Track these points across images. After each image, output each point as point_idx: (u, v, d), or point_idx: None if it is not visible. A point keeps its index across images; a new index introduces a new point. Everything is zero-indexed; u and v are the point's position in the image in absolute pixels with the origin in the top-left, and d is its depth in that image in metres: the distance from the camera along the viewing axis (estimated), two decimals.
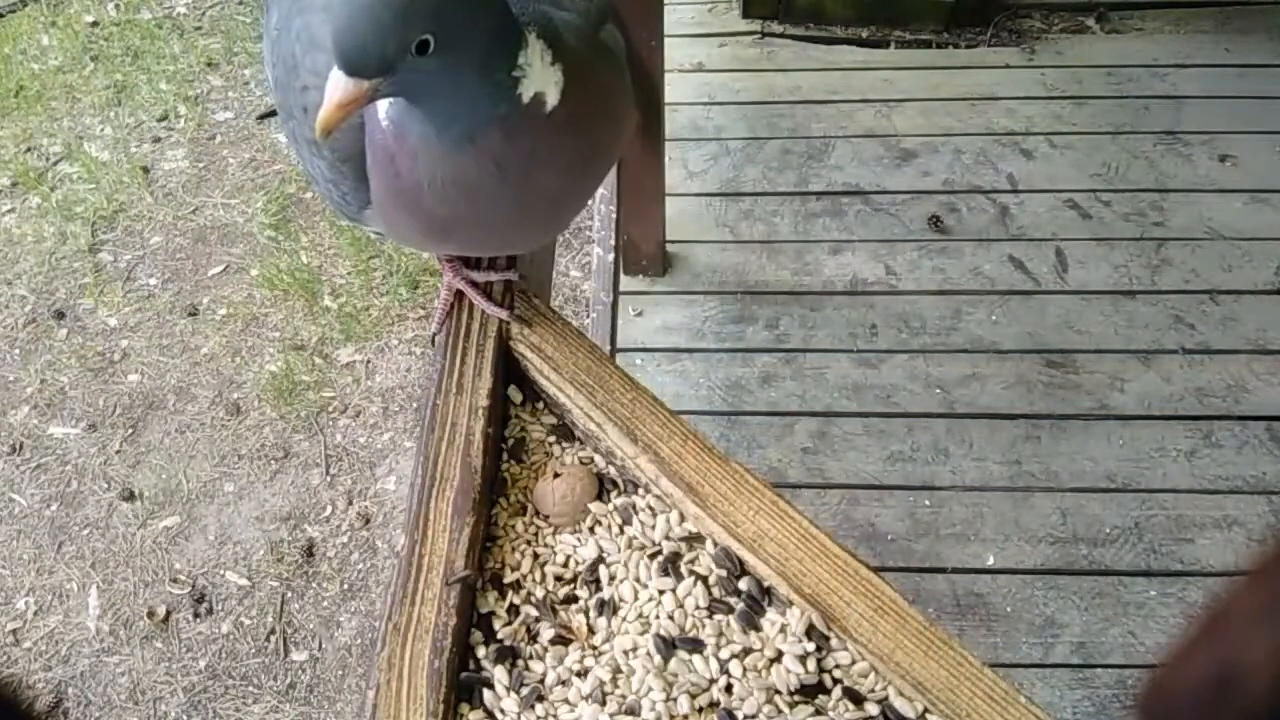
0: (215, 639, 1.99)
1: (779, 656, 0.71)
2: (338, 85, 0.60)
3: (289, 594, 2.04)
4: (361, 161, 0.72)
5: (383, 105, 0.66)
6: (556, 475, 0.79)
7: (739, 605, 0.73)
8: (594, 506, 0.79)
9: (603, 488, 0.80)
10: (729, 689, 0.69)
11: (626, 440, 0.78)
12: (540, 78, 0.66)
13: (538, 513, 0.80)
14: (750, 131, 2.58)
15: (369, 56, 0.59)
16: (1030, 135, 2.52)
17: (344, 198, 0.76)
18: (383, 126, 0.68)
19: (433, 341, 0.87)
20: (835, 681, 0.70)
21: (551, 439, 0.83)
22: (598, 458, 0.81)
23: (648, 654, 0.70)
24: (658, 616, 0.73)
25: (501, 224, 0.73)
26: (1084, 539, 1.88)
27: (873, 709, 0.69)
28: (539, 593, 0.75)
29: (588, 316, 2.11)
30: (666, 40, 1.92)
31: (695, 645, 0.71)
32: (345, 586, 2.05)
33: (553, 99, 0.67)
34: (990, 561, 1.86)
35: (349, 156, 0.73)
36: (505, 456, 0.82)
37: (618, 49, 0.77)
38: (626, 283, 2.26)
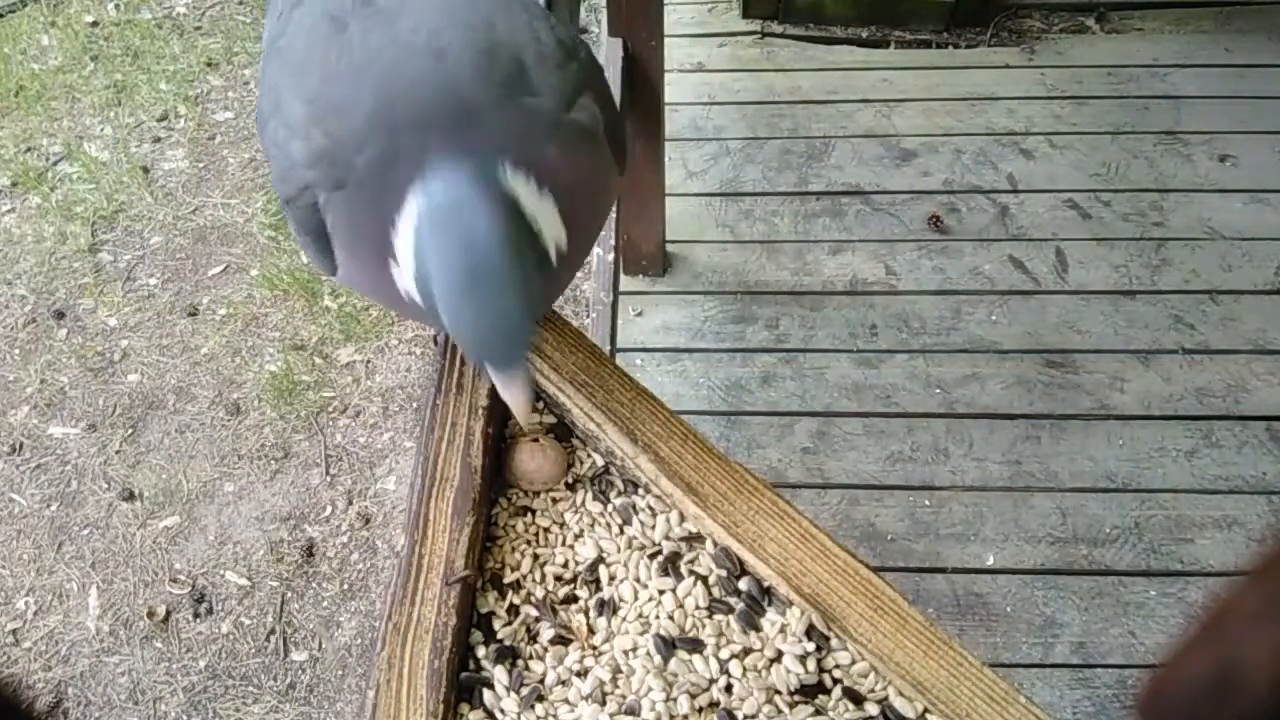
0: (215, 639, 1.99)
1: (779, 656, 0.71)
2: (514, 388, 0.66)
3: (289, 594, 2.04)
4: (325, 241, 0.70)
5: (407, 273, 0.64)
6: (534, 440, 0.79)
7: (739, 605, 0.73)
8: (594, 506, 0.79)
9: (597, 483, 0.80)
10: (729, 689, 0.69)
11: (626, 440, 0.78)
12: (549, 225, 0.64)
13: (517, 486, 0.80)
14: (750, 131, 2.58)
15: (519, 356, 0.65)
16: (1030, 135, 2.52)
17: (312, 259, 0.75)
18: (404, 286, 0.66)
19: (434, 341, 0.87)
20: (835, 681, 0.70)
21: (549, 438, 0.83)
22: (597, 457, 0.81)
23: (648, 654, 0.70)
24: (658, 616, 0.73)
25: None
26: (1084, 539, 1.88)
27: (873, 709, 0.69)
28: (539, 593, 0.75)
29: (587, 316, 2.11)
30: (666, 40, 1.92)
31: (695, 645, 0.71)
32: (345, 586, 2.05)
33: (564, 241, 0.66)
34: (990, 561, 1.86)
35: (311, 232, 0.71)
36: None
37: (593, 123, 0.72)
38: (626, 283, 2.26)
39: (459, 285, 0.61)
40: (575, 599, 0.75)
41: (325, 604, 2.03)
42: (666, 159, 2.20)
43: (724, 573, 0.74)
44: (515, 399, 0.68)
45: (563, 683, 0.70)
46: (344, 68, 0.69)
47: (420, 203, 0.62)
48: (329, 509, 2.15)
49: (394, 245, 0.64)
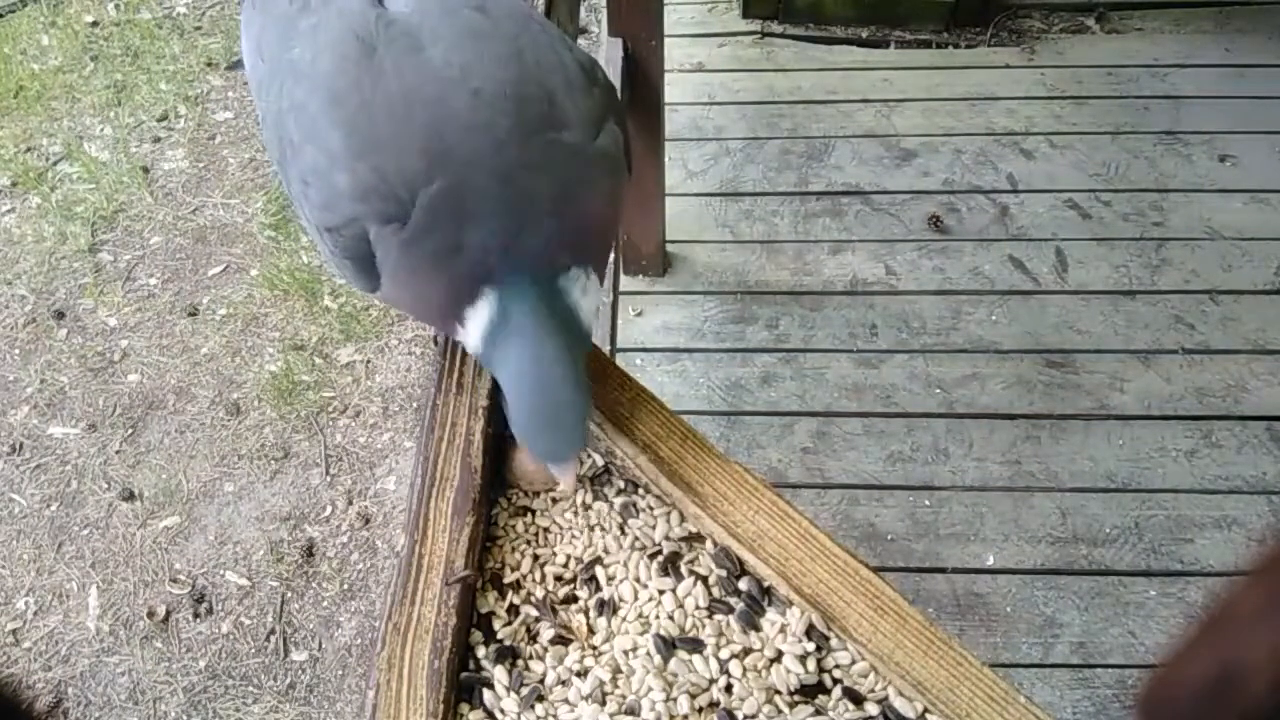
0: (215, 639, 1.99)
1: (779, 656, 0.71)
2: (567, 473, 0.75)
3: (289, 594, 2.04)
4: (367, 264, 0.72)
5: (472, 342, 0.73)
6: None
7: (739, 605, 0.73)
8: (594, 506, 0.79)
9: (597, 483, 0.80)
10: (729, 689, 0.69)
11: (626, 440, 0.78)
12: (592, 306, 0.73)
13: (517, 486, 0.80)
14: (750, 131, 2.58)
15: (576, 453, 0.75)
16: (1030, 135, 2.52)
17: (349, 279, 0.77)
18: (469, 346, 0.74)
19: (434, 341, 0.87)
20: (835, 681, 0.70)
21: None
22: (597, 457, 0.81)
23: (648, 654, 0.70)
24: (658, 616, 0.73)
25: None
26: (1084, 539, 1.88)
27: (873, 709, 0.69)
28: (539, 593, 0.75)
29: None
30: (666, 40, 1.92)
31: (695, 645, 0.71)
32: (345, 586, 2.05)
33: (600, 291, 0.75)
34: (990, 561, 1.86)
35: (355, 259, 0.73)
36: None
37: (616, 148, 0.76)
38: (626, 283, 2.26)
39: (530, 414, 0.72)
40: (575, 599, 0.75)
41: (325, 604, 2.03)
42: (666, 159, 2.20)
43: (724, 573, 0.74)
44: (566, 481, 0.77)
45: (563, 683, 0.70)
46: (381, 99, 0.70)
47: (494, 307, 0.70)
48: (329, 509, 2.15)
49: (464, 315, 0.71)
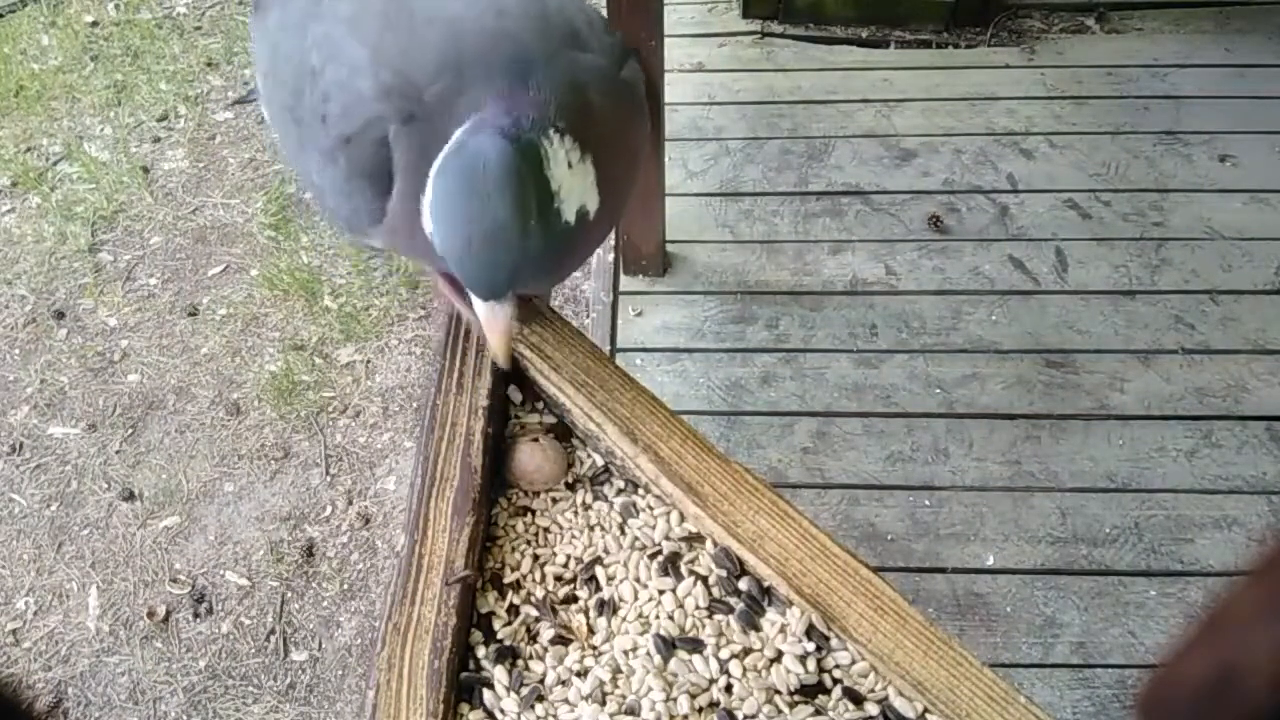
0: (215, 639, 1.99)
1: (779, 656, 0.71)
2: (492, 315, 0.69)
3: (289, 594, 2.04)
4: (384, 180, 0.72)
5: (426, 205, 0.68)
6: (534, 440, 0.79)
7: (739, 605, 0.73)
8: (594, 506, 0.79)
9: (597, 483, 0.80)
10: (729, 689, 0.69)
11: (626, 440, 0.78)
12: (577, 191, 0.67)
13: (517, 486, 0.80)
14: (750, 131, 2.58)
15: (498, 290, 0.68)
16: (1030, 135, 2.52)
17: (354, 212, 0.76)
18: (425, 220, 0.69)
19: (447, 332, 0.87)
20: (835, 681, 0.70)
21: (549, 438, 0.83)
22: (597, 457, 0.81)
23: (648, 654, 0.70)
24: (658, 616, 0.73)
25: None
26: (1084, 539, 1.88)
27: (873, 709, 0.69)
28: (539, 593, 0.75)
29: (588, 316, 2.11)
30: (666, 40, 1.92)
31: (695, 645, 0.71)
32: (345, 586, 2.05)
33: (594, 205, 0.69)
34: (990, 561, 1.86)
35: (368, 172, 0.72)
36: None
37: (639, 83, 0.77)
38: (626, 283, 2.26)
39: (454, 199, 0.64)
40: (575, 599, 0.75)
41: (325, 604, 2.03)
42: (666, 159, 2.20)
43: (724, 573, 0.74)
44: (494, 334, 0.70)
45: (563, 683, 0.70)
46: (405, 20, 0.72)
47: (454, 141, 0.65)
48: (329, 509, 2.15)
49: (428, 178, 0.67)
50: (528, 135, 0.64)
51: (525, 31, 0.70)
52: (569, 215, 0.67)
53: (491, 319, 0.70)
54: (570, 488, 0.80)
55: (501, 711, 0.69)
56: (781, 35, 2.80)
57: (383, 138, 0.70)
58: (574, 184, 0.67)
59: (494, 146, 0.63)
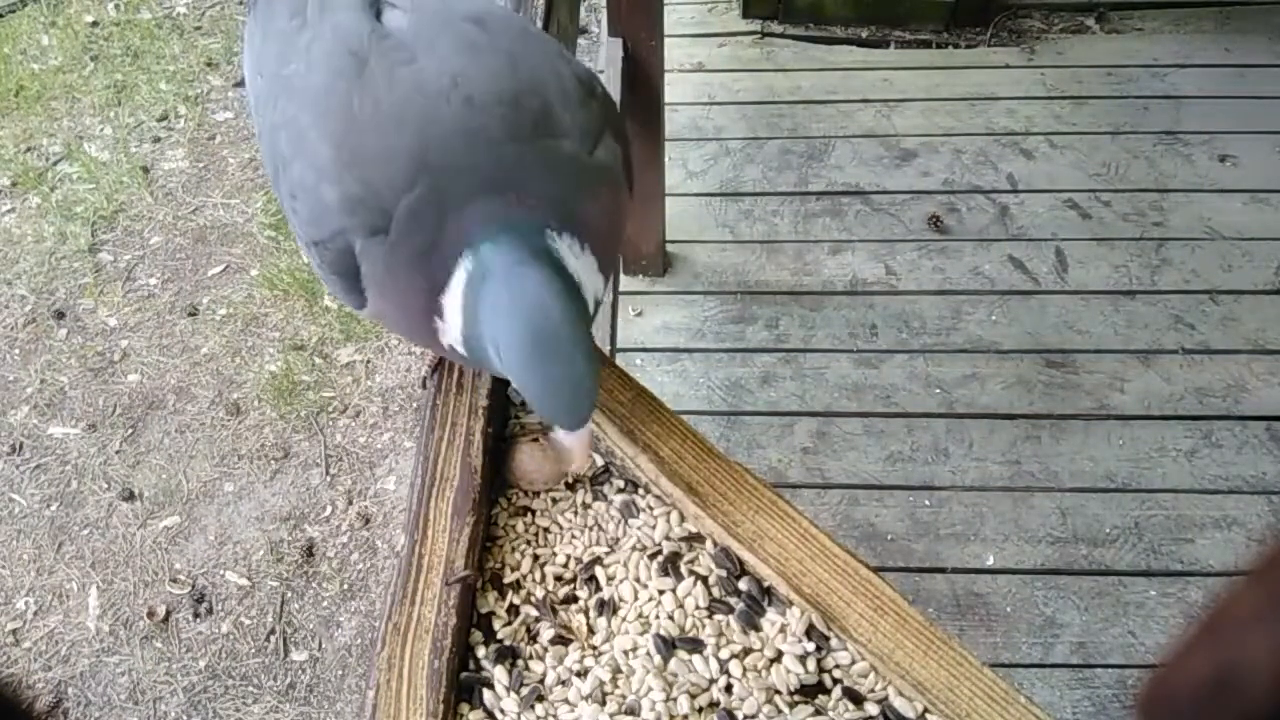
0: (215, 639, 1.99)
1: (779, 656, 0.71)
2: (579, 441, 0.72)
3: (289, 594, 2.04)
4: (355, 280, 0.71)
5: (454, 330, 0.68)
6: (534, 440, 0.79)
7: (739, 605, 0.73)
8: (594, 506, 0.79)
9: (597, 483, 0.80)
10: (729, 689, 0.69)
11: (626, 440, 0.78)
12: (589, 286, 0.68)
13: (517, 486, 0.80)
14: (750, 131, 2.58)
15: (584, 421, 0.70)
16: (1030, 135, 2.52)
17: (336, 291, 0.75)
18: (449, 340, 0.70)
19: (424, 383, 0.86)
20: (835, 681, 0.70)
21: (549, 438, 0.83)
22: (597, 457, 0.81)
23: (648, 654, 0.70)
24: (658, 616, 0.73)
25: None
26: (1084, 539, 1.88)
27: (873, 709, 0.69)
28: (539, 593, 0.75)
29: None
30: (666, 40, 1.92)
31: (695, 645, 0.71)
32: (345, 586, 2.05)
33: (602, 290, 0.71)
34: (990, 561, 1.86)
35: (341, 274, 0.71)
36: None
37: (615, 161, 0.75)
38: (626, 283, 2.26)
39: (530, 354, 0.65)
40: (575, 599, 0.75)
41: (325, 604, 2.03)
42: (666, 159, 2.20)
43: (724, 573, 0.74)
44: (579, 451, 0.74)
45: (563, 683, 0.70)
46: (370, 113, 0.69)
47: (471, 267, 0.65)
48: (329, 509, 2.15)
49: (441, 304, 0.67)
50: (539, 240, 0.65)
51: (495, 126, 0.67)
52: (593, 309, 0.69)
53: (577, 441, 0.72)
54: (570, 488, 0.80)
55: (501, 711, 0.69)
56: (781, 35, 2.81)
57: (349, 248, 0.69)
58: (588, 275, 0.68)
59: (540, 280, 0.63)
